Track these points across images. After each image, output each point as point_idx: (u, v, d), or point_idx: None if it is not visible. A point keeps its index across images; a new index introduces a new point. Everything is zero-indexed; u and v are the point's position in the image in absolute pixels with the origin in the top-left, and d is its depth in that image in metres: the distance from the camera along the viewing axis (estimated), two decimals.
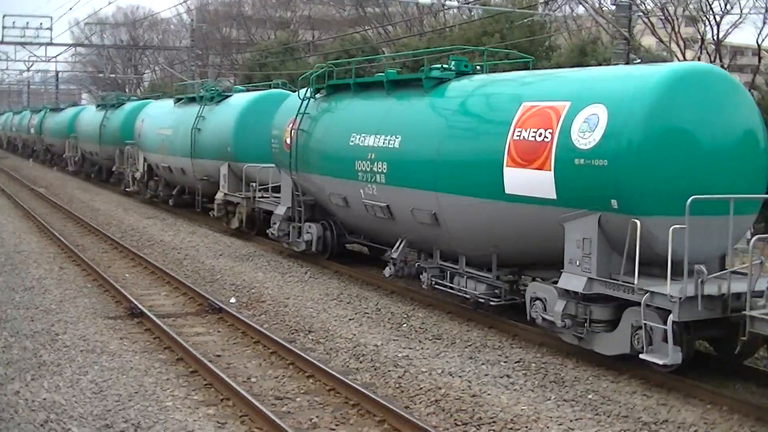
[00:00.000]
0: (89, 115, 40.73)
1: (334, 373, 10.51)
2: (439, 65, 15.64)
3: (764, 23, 34.99)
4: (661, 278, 10.10)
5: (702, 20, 37.62)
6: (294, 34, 61.30)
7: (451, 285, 14.03)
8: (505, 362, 11.59)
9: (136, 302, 14.33)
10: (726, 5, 36.69)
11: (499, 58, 17.21)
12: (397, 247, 15.32)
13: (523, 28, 34.01)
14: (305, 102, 18.44)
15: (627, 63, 15.38)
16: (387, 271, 15.45)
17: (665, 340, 9.92)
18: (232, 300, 15.29)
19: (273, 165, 21.36)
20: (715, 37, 36.18)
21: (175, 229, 24.80)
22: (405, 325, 13.62)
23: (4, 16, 46.65)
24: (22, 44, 48.94)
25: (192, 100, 26.54)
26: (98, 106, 40.18)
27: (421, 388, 10.36)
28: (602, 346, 11.08)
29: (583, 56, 31.28)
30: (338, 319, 13.89)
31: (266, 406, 9.47)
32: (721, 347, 11.33)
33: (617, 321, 10.99)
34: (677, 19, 36.78)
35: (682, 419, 9.52)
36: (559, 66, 28.44)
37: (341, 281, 17.27)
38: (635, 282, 10.26)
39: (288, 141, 18.99)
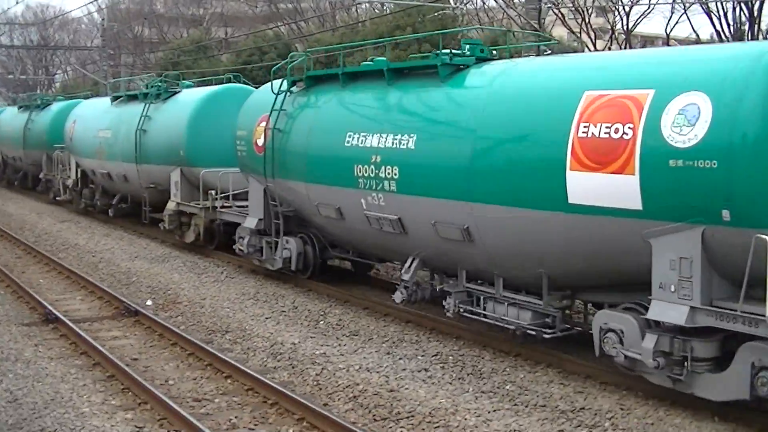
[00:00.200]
0: (10, 117, 37.06)
1: (251, 372, 10.58)
2: (432, 52, 13.34)
3: (672, 13, 37.12)
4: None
5: (612, 10, 38.79)
6: (207, 32, 61.72)
7: (484, 313, 11.74)
8: (422, 356, 11.67)
9: (50, 307, 14.16)
10: None
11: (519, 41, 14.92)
12: (409, 267, 12.96)
13: (435, 21, 34.36)
14: (281, 96, 15.90)
15: (538, 54, 13.50)
16: (398, 296, 13.06)
17: None
18: (149, 302, 15.19)
19: (236, 170, 18.78)
20: (625, 27, 36.97)
21: (90, 232, 24.24)
22: (322, 322, 13.71)
23: None
24: None
25: (133, 97, 23.52)
26: (20, 107, 36.52)
27: (339, 385, 10.42)
28: (709, 390, 8.95)
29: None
30: (255, 318, 13.95)
31: (184, 408, 9.50)
32: None
33: (724, 358, 8.91)
34: (587, 9, 37.65)
35: (598, 406, 9.66)
36: None
37: (257, 280, 17.19)
38: (766, 313, 8.14)
39: (259, 143, 16.40)
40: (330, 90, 14.94)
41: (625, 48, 35.21)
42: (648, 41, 52.18)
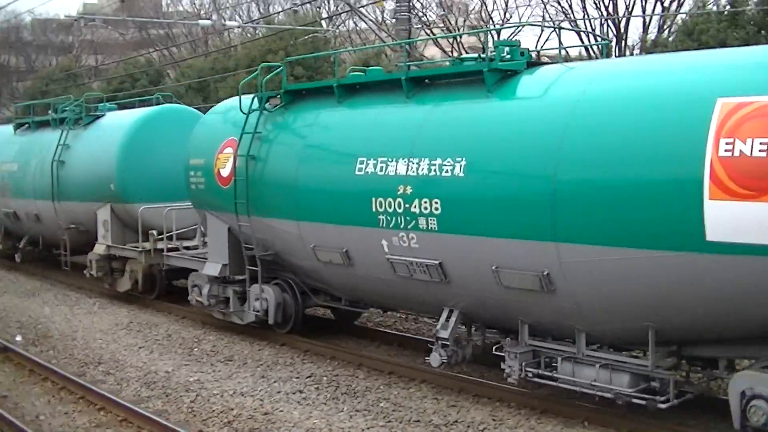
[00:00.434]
0: None
1: (125, 403, 10.46)
2: (459, 57, 11.11)
3: (542, 30, 37.54)
4: None
5: (484, 29, 38.85)
6: (76, 60, 61.15)
7: (562, 377, 9.40)
8: (297, 378, 11.75)
9: None
10: (505, 14, 40.29)
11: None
12: (446, 322, 10.51)
13: (307, 44, 35.07)
14: (253, 116, 13.20)
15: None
16: (434, 359, 10.53)
17: None
18: (18, 338, 14.40)
19: (184, 205, 15.90)
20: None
21: None
22: (196, 349, 13.64)
23: None
24: None
25: (44, 124, 20.05)
26: None
27: (213, 411, 10.36)
28: None
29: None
30: (128, 349, 13.78)
31: None
32: None
33: None
34: (459, 29, 38.87)
35: (471, 418, 9.81)
36: None
37: (130, 310, 16.81)
38: None
39: (224, 173, 13.62)
40: (320, 106, 12.36)
41: None
42: None
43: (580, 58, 36.49)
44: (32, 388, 11.67)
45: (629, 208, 8.19)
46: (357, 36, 45.93)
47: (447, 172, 9.80)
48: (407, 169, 10.28)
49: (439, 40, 38.43)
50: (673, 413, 9.11)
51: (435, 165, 9.95)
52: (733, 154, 7.52)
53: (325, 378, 11.61)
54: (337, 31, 44.00)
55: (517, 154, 9.15)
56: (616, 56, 32.18)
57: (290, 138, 12.50)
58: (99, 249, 17.51)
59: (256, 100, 13.32)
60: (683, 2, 34.24)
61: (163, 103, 18.82)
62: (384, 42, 27.32)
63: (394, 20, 19.16)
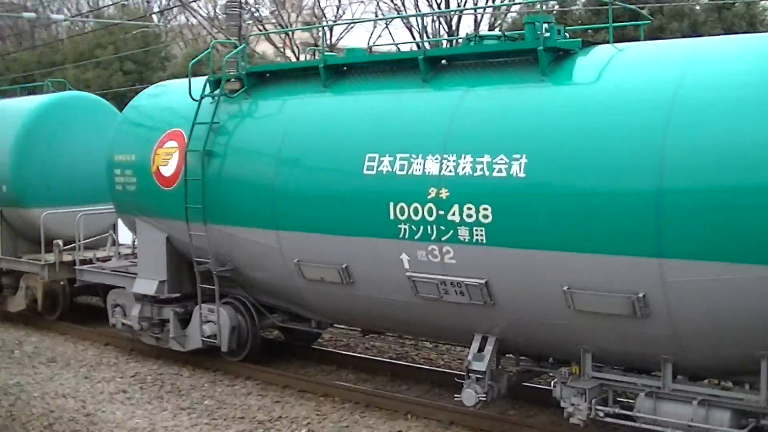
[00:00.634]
0: None
1: None
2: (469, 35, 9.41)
3: (375, 27, 38.18)
4: None
5: (316, 25, 40.22)
6: None
7: (644, 416, 7.83)
8: (121, 378, 11.62)
9: None
10: (338, 10, 40.86)
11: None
12: (481, 352, 8.74)
13: (137, 38, 34.84)
14: (208, 104, 10.93)
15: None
16: (469, 398, 8.62)
17: None
18: None
19: (100, 209, 13.37)
20: (329, 41, 38.29)
21: None
22: (17, 351, 13.20)
23: None
24: None
25: None
26: None
27: (33, 414, 10.14)
28: None
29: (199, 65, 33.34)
30: None
31: None
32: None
33: None
34: (291, 24, 39.73)
35: (296, 414, 9.88)
36: (175, 76, 28.21)
37: None
38: None
39: (166, 172, 11.29)
40: (298, 92, 10.27)
41: None
42: None
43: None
44: None
45: (758, 217, 6.72)
46: (189, 31, 46.38)
47: (500, 171, 8.01)
48: (440, 167, 8.41)
49: (271, 36, 39.10)
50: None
51: (482, 163, 8.14)
52: None
53: (149, 377, 11.59)
54: (168, 25, 44.74)
55: (605, 151, 7.45)
56: None
57: (262, 130, 10.32)
58: None
59: (209, 84, 11.05)
60: None
61: (54, 91, 15.94)
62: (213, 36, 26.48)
63: (224, 15, 18.10)
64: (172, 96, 11.89)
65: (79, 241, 13.36)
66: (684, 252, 7.05)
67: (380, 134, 9.05)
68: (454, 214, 8.28)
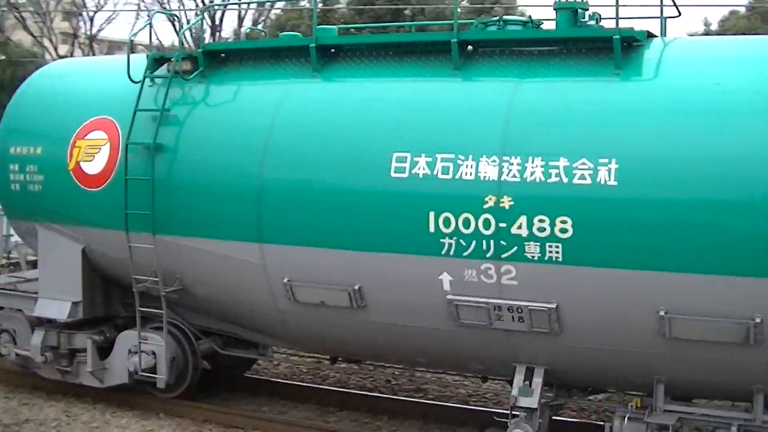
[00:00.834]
0: None
1: None
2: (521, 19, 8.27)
3: (137, 19, 38.72)
4: None
5: (76, 15, 40.33)
6: None
7: None
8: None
9: None
10: (100, 1, 42.57)
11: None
12: (529, 385, 7.53)
13: None
14: (151, 86, 8.91)
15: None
16: None
17: None
18: None
19: None
20: (89, 32, 38.76)
21: None
22: None
23: None
24: None
25: None
26: None
27: None
28: None
29: None
30: None
31: None
32: None
33: None
34: (50, 13, 39.53)
35: (44, 416, 9.60)
36: None
37: None
38: None
39: (89, 169, 9.17)
40: (278, 75, 8.54)
41: (89, 53, 38.68)
42: (114, 46, 53.17)
43: (173, 48, 36.45)
44: None
45: None
46: None
47: (584, 178, 6.84)
48: (500, 171, 7.10)
49: (28, 23, 37.87)
50: None
51: (557, 168, 6.93)
52: None
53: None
54: None
55: (716, 157, 6.49)
56: None
57: (236, 120, 8.45)
58: None
59: (153, 63, 9.00)
60: None
61: None
62: None
63: None
64: (92, 77, 9.68)
65: None
66: None
67: (411, 130, 7.57)
68: (520, 227, 7.01)
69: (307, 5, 28.77)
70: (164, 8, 36.86)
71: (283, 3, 30.17)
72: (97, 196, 9.09)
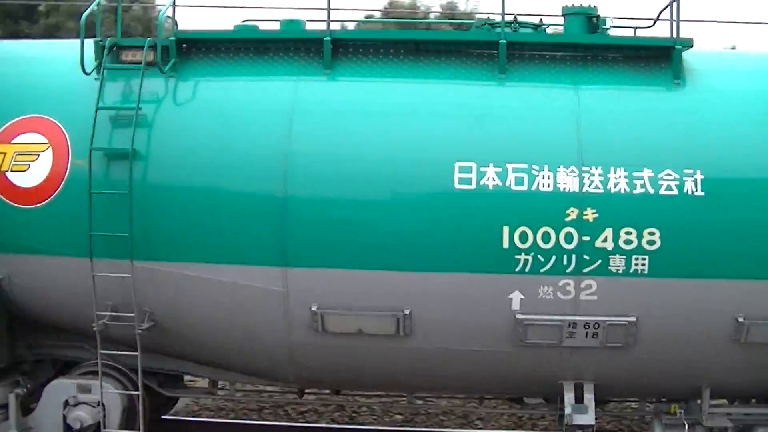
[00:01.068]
0: None
1: None
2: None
3: None
4: None
5: None
6: None
7: None
8: None
9: None
10: None
11: None
12: (581, 402, 7.29)
13: None
14: (111, 81, 7.31)
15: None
16: None
17: None
18: None
19: None
20: None
21: None
22: None
23: None
24: None
25: None
26: None
27: None
28: None
29: None
30: None
31: None
32: None
33: None
34: None
35: None
36: None
37: None
38: None
39: (23, 180, 7.34)
40: (280, 72, 7.39)
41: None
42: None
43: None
44: None
45: None
46: None
47: (670, 189, 6.75)
48: (580, 182, 6.78)
49: None
50: None
51: (641, 179, 6.77)
52: None
53: None
54: None
55: None
56: None
57: (241, 123, 7.15)
58: None
59: (103, 52, 7.35)
60: None
61: None
62: None
63: None
64: (18, 65, 7.69)
65: None
66: None
67: (473, 137, 6.96)
68: (605, 240, 6.75)
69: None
70: None
71: None
72: (33, 214, 7.24)
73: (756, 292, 6.83)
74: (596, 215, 6.77)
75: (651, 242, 6.76)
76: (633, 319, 6.91)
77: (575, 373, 7.35)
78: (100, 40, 7.44)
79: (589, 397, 7.36)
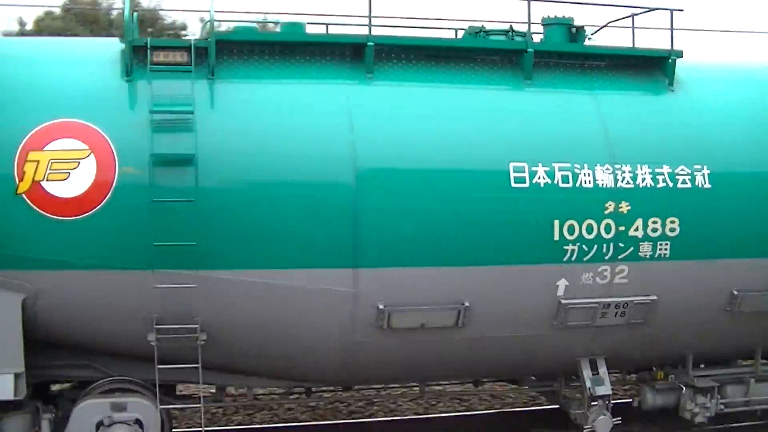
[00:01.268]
0: None
1: None
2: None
3: None
4: None
5: None
6: None
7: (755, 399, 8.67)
8: None
9: None
10: None
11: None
12: (595, 374, 8.12)
13: None
14: (147, 83, 7.00)
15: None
16: (605, 425, 7.99)
17: None
18: None
19: None
20: None
21: None
22: None
23: None
24: None
25: None
26: None
27: None
28: None
29: None
30: None
31: None
32: None
33: None
34: None
35: None
36: None
37: None
38: None
39: (61, 191, 6.85)
40: (326, 74, 7.43)
41: None
42: None
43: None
44: None
45: None
46: None
47: (685, 182, 7.77)
48: (615, 179, 7.60)
49: None
50: None
51: (662, 174, 7.72)
52: None
53: None
54: None
55: None
56: None
57: (306, 126, 7.10)
58: None
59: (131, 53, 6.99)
60: None
61: None
62: None
63: None
64: (47, 64, 6.98)
65: None
66: None
67: (523, 139, 7.50)
68: (636, 229, 7.63)
69: None
70: None
71: None
72: (73, 226, 6.71)
73: (747, 268, 8.06)
74: (629, 207, 7.63)
75: (672, 229, 7.75)
76: (655, 297, 7.87)
77: (599, 349, 8.14)
78: (133, 41, 7.02)
79: (603, 371, 8.22)
